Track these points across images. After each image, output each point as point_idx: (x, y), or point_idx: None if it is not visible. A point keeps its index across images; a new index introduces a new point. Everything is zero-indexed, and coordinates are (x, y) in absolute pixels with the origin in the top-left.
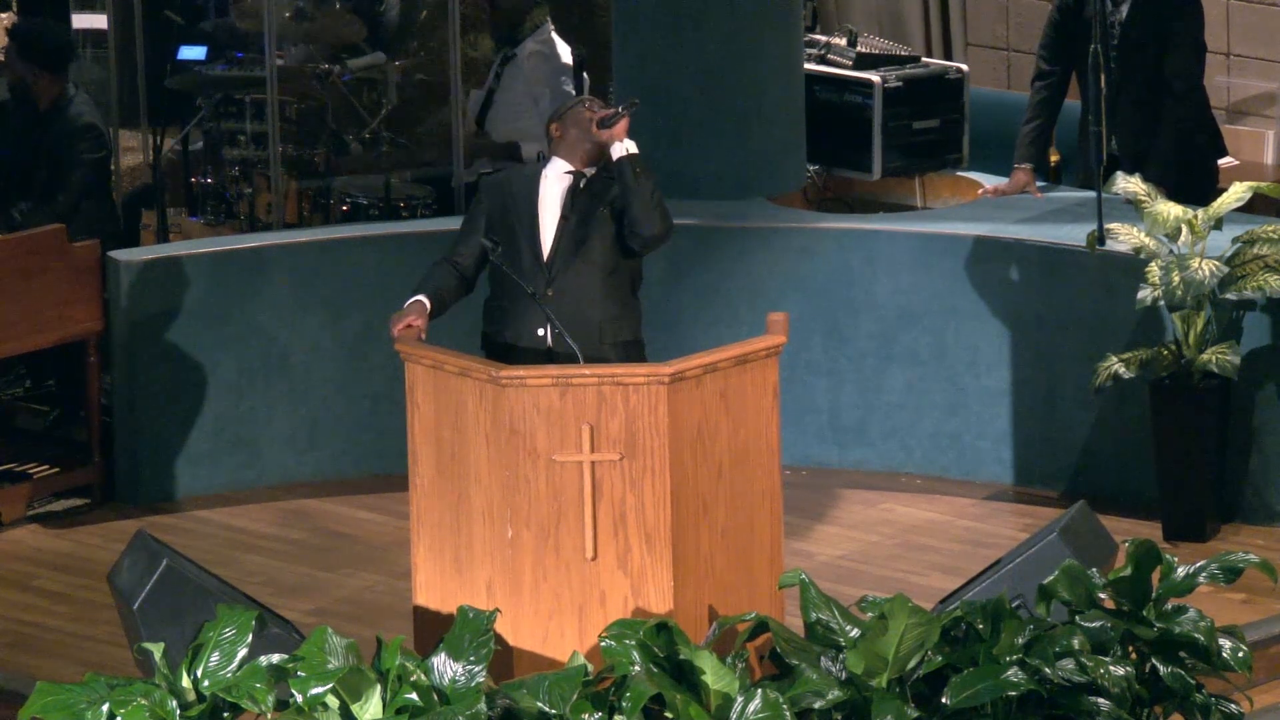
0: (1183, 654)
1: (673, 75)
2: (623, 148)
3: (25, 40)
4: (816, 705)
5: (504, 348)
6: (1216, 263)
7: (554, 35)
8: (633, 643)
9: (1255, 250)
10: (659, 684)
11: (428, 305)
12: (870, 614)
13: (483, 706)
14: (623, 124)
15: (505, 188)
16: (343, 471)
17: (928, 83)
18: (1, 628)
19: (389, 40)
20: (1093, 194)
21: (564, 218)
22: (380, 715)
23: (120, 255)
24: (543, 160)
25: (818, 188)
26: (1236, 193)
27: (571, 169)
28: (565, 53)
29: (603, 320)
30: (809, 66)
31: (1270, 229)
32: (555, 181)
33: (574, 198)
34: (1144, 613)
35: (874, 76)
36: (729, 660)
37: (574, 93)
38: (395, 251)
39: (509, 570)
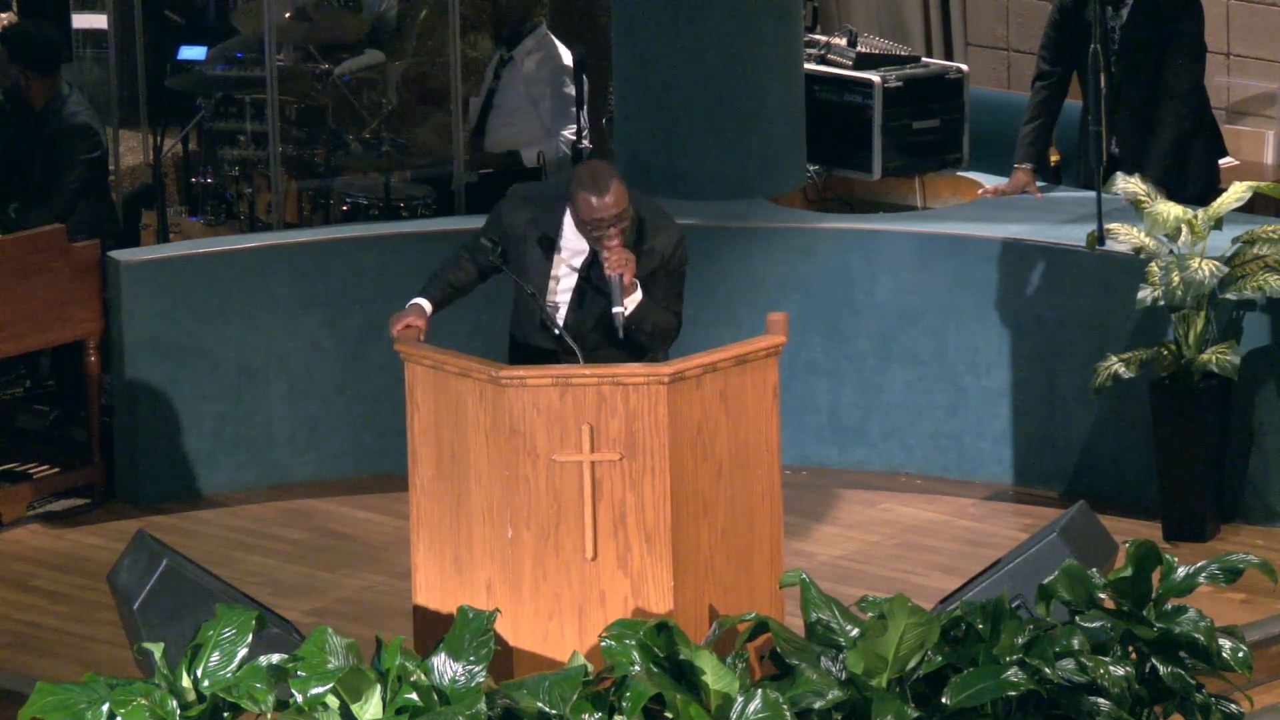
0: (1183, 654)
1: (673, 75)
2: (621, 311)
3: (15, 43)
4: (816, 705)
5: (527, 350)
6: (1216, 263)
7: (552, 38)
8: (633, 643)
9: (1255, 250)
10: (659, 684)
11: (428, 309)
12: (870, 614)
13: (483, 706)
14: (626, 283)
15: (525, 226)
16: (343, 471)
17: (928, 83)
18: (1, 628)
19: (388, 40)
20: (1093, 194)
21: (577, 294)
22: (380, 715)
23: (120, 255)
24: (563, 204)
25: (818, 188)
26: (1236, 193)
27: (584, 246)
28: (564, 54)
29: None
30: (809, 66)
31: (1270, 229)
32: (570, 251)
33: (587, 275)
34: (1144, 613)
35: (874, 76)
36: (729, 660)
37: (574, 94)
38: (395, 251)
39: (509, 570)
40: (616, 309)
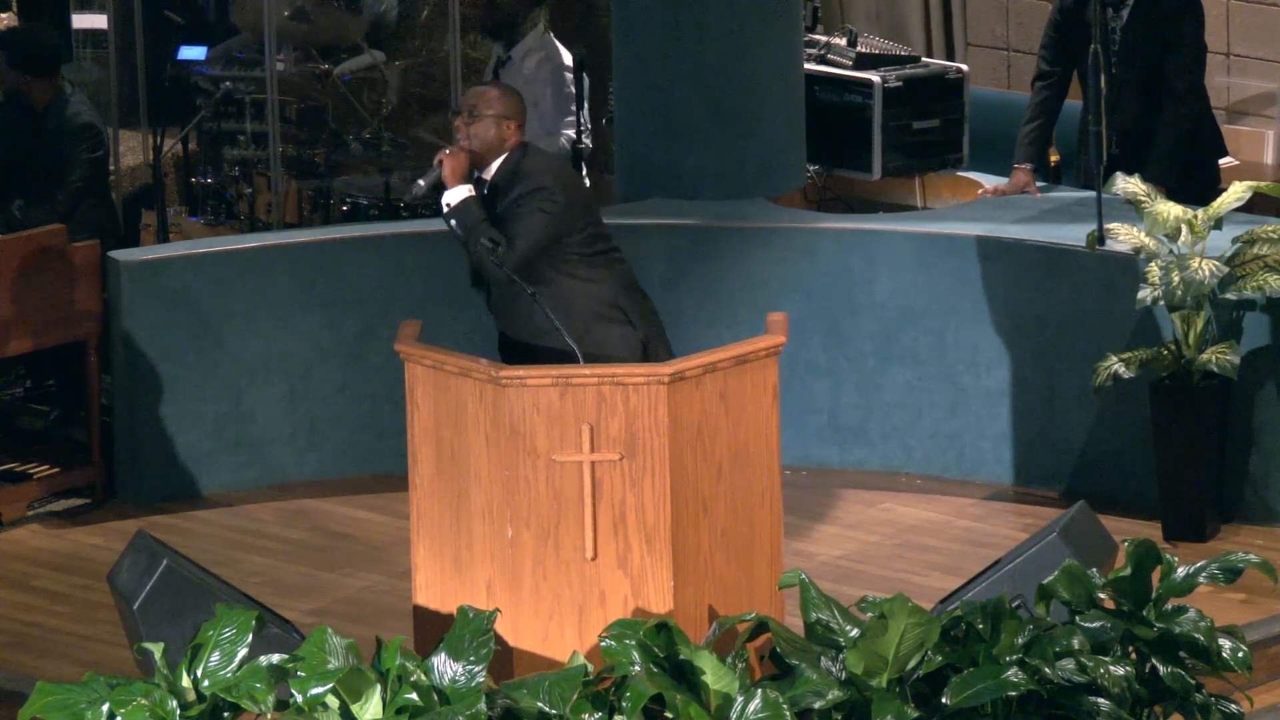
0: (1183, 654)
1: (673, 75)
2: (445, 200)
3: (12, 47)
4: (816, 705)
5: (502, 339)
6: (1216, 263)
7: (551, 37)
8: (633, 643)
9: (1255, 250)
10: (659, 684)
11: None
12: (870, 614)
13: (483, 706)
14: (445, 172)
15: None
16: (343, 471)
17: (928, 83)
18: (1, 628)
19: (388, 40)
20: (1093, 194)
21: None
22: (380, 715)
23: (120, 255)
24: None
25: (818, 188)
26: (1236, 193)
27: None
28: (564, 54)
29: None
30: (809, 66)
31: (1270, 229)
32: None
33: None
34: (1144, 613)
35: (874, 76)
36: (729, 660)
37: (574, 94)
38: (395, 251)
39: (509, 570)
40: (419, 183)
